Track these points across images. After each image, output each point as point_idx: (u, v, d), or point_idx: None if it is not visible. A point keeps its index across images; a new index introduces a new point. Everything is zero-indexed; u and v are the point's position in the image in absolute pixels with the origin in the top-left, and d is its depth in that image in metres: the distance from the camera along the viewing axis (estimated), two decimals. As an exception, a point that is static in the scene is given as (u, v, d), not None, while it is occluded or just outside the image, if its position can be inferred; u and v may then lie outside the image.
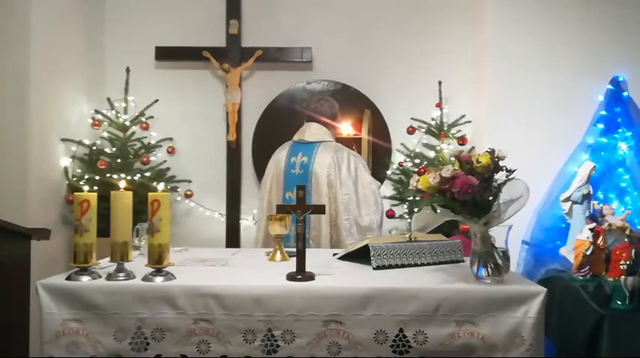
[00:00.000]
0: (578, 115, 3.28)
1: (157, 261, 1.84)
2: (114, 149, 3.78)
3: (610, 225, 2.65)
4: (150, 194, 1.86)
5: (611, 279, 2.43)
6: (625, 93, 3.24)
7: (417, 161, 3.73)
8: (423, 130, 3.79)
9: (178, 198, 3.95)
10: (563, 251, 2.86)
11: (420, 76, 3.99)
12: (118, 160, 3.71)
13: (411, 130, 3.80)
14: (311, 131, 3.07)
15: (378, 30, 4.07)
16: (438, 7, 4.04)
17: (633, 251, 2.41)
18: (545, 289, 1.81)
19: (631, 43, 3.35)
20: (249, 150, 4.07)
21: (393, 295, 1.79)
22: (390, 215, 3.65)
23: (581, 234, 2.51)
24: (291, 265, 1.97)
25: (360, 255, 2.18)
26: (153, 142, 3.93)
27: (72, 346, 1.78)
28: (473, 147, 3.65)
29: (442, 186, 1.83)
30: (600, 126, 3.21)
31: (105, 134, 3.83)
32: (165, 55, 4.03)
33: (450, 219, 1.93)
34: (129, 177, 3.57)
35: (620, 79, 3.26)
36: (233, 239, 3.99)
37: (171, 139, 4.03)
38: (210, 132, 4.08)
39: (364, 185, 2.98)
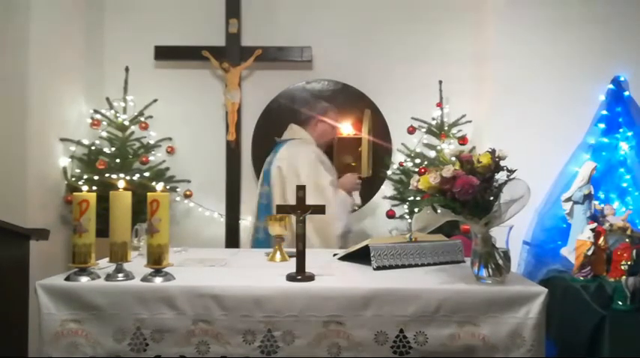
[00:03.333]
0: (579, 115, 3.28)
1: (156, 261, 1.84)
2: (113, 149, 3.76)
3: (611, 225, 2.64)
4: (149, 194, 1.85)
5: (612, 280, 2.42)
6: (626, 93, 3.24)
7: (418, 161, 3.72)
8: (424, 130, 3.79)
9: (177, 198, 3.95)
10: (564, 251, 2.86)
11: (420, 76, 3.98)
12: (117, 160, 3.70)
13: (411, 130, 3.80)
14: (289, 131, 3.14)
15: (379, 29, 4.06)
16: (438, 7, 4.03)
17: (634, 251, 2.40)
18: (546, 290, 1.81)
19: (632, 43, 3.34)
20: (248, 150, 4.06)
21: (394, 296, 1.78)
22: (391, 215, 3.65)
23: (582, 235, 2.50)
24: (291, 266, 1.96)
25: (361, 256, 2.17)
26: (152, 142, 3.91)
27: (71, 346, 1.78)
28: (474, 147, 3.65)
29: (443, 186, 1.82)
30: (601, 125, 3.21)
31: (104, 134, 3.82)
32: (165, 54, 4.01)
33: (450, 219, 1.93)
34: (128, 177, 3.55)
35: (621, 78, 3.26)
36: (232, 239, 3.98)
37: (170, 139, 4.02)
38: (209, 132, 4.07)
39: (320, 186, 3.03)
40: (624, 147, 3.16)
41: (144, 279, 1.84)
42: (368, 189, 3.90)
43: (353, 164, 3.86)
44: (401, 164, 3.77)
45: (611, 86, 3.25)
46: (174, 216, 3.91)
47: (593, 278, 2.48)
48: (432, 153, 3.71)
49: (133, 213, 1.94)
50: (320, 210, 2.11)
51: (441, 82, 3.85)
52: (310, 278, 1.89)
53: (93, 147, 3.75)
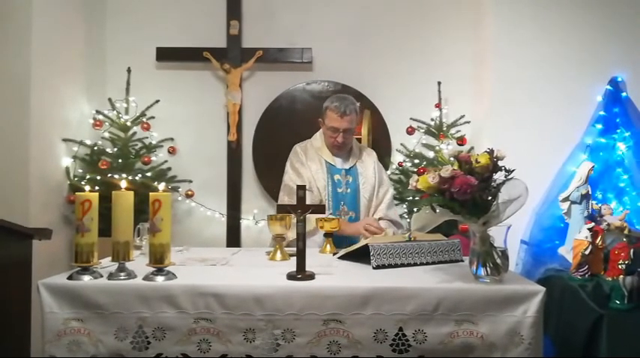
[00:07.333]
0: (576, 116, 3.30)
1: (158, 260, 1.85)
2: (115, 149, 3.79)
3: (608, 224, 2.65)
4: (151, 194, 1.87)
5: (609, 279, 2.43)
6: (624, 94, 3.25)
7: (417, 161, 3.74)
8: (423, 130, 3.81)
9: (179, 198, 3.97)
10: (561, 250, 2.86)
11: (419, 77, 4.00)
12: (120, 160, 3.72)
13: (410, 130, 3.82)
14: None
15: (378, 30, 4.08)
16: (438, 7, 4.06)
17: (632, 250, 2.41)
18: (543, 288, 1.82)
19: (630, 44, 3.36)
20: (249, 150, 4.08)
21: (393, 294, 1.79)
22: (390, 215, 3.66)
23: (579, 234, 2.51)
24: (292, 265, 1.98)
25: (360, 255, 2.19)
26: (154, 142, 3.94)
27: (73, 345, 1.79)
28: (472, 148, 3.66)
29: (441, 186, 1.83)
30: (599, 126, 3.22)
31: (106, 134, 3.84)
32: (166, 55, 4.04)
33: (449, 218, 1.93)
34: (130, 177, 3.58)
35: (619, 79, 3.27)
36: (234, 239, 4.00)
37: (172, 139, 4.04)
38: (211, 132, 4.09)
39: None
40: (622, 147, 3.17)
41: (146, 278, 1.85)
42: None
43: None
44: (400, 164, 3.80)
45: (608, 87, 3.27)
46: (176, 216, 3.93)
47: (590, 277, 2.49)
48: (431, 154, 3.73)
49: (135, 212, 1.95)
50: (320, 210, 2.14)
51: (439, 83, 3.87)
52: (310, 277, 1.90)
53: (95, 148, 3.78)
